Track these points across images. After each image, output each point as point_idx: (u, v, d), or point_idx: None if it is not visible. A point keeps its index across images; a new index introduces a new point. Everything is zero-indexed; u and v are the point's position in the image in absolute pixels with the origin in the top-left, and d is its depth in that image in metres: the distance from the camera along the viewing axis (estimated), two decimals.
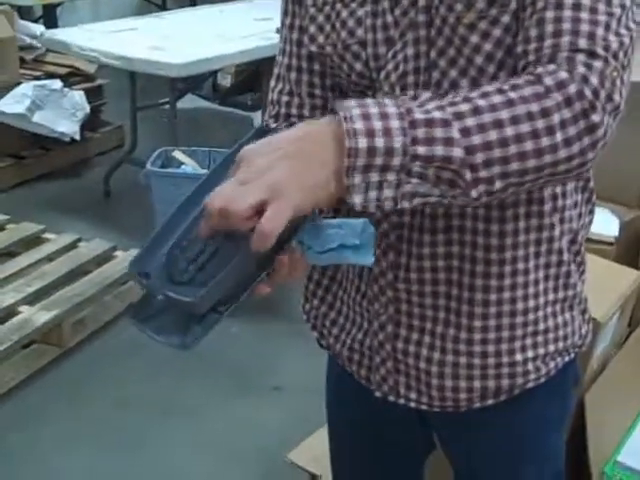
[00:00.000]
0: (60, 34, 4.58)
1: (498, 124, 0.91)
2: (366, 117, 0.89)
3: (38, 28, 5.11)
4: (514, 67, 1.03)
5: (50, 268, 3.57)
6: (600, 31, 0.97)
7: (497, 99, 0.93)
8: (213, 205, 0.88)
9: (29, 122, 4.54)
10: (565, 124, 0.93)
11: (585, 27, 0.97)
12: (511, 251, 1.15)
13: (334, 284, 1.32)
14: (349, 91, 1.20)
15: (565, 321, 1.24)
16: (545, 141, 0.92)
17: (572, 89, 0.93)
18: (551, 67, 0.95)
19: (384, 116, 0.90)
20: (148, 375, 3.15)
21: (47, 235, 3.87)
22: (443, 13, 1.07)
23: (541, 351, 1.22)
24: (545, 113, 0.92)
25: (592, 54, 0.96)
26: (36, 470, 2.68)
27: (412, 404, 1.26)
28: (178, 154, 3.80)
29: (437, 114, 0.91)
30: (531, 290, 1.18)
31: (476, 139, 0.91)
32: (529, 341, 1.21)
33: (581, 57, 0.95)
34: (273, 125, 1.25)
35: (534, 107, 0.92)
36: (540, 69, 0.96)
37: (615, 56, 0.97)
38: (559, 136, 0.93)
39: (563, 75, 0.94)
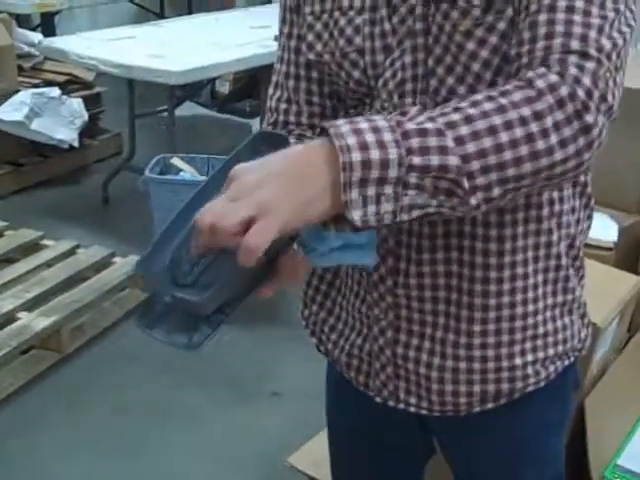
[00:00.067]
0: (58, 42, 4.59)
1: (492, 131, 0.92)
2: (357, 132, 0.89)
3: (36, 36, 5.12)
4: (511, 73, 1.03)
5: (49, 274, 3.58)
6: (593, 33, 0.97)
7: (488, 106, 0.93)
8: (203, 221, 0.88)
9: (27, 130, 4.54)
10: (559, 126, 0.93)
11: (578, 29, 0.97)
12: (510, 256, 1.15)
13: (333, 290, 1.32)
14: (347, 99, 1.21)
15: (564, 325, 1.25)
16: (540, 144, 0.92)
17: (564, 91, 0.93)
18: (541, 70, 0.95)
19: (375, 130, 0.90)
20: (147, 381, 3.15)
21: (46, 242, 3.88)
22: (440, 21, 1.07)
23: (541, 355, 1.22)
24: (538, 116, 0.93)
25: (584, 55, 0.96)
26: (35, 476, 2.67)
27: (412, 409, 1.26)
28: (176, 161, 3.80)
29: (429, 125, 0.91)
30: (530, 294, 1.19)
31: (471, 147, 0.91)
32: (529, 345, 1.21)
33: (573, 58, 0.95)
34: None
35: (526, 111, 0.93)
36: (530, 73, 0.96)
37: (608, 57, 0.97)
38: (554, 138, 0.93)
39: (553, 78, 0.94)
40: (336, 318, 1.32)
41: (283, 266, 0.98)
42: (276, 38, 1.31)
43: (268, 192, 0.87)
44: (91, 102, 5.04)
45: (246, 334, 3.22)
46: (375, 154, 0.88)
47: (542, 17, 0.99)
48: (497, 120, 0.92)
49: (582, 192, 1.23)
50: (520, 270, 1.17)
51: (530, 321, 1.20)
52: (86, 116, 4.81)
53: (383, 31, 1.12)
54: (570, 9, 0.98)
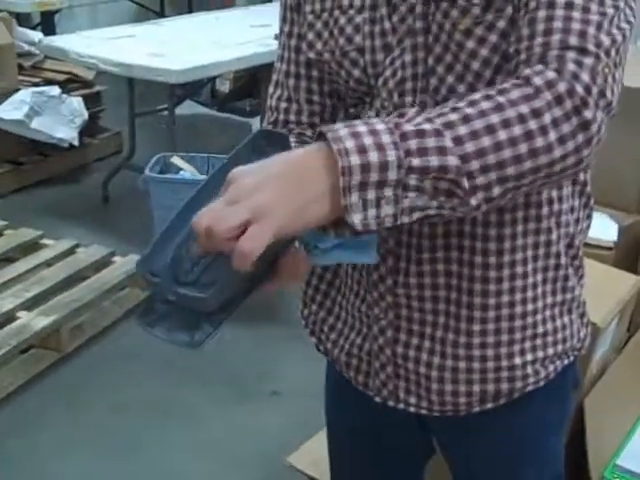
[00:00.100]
0: (58, 41, 4.60)
1: (490, 129, 0.91)
2: (355, 135, 0.89)
3: (36, 35, 5.12)
4: (510, 71, 1.03)
5: (48, 274, 3.58)
6: (592, 30, 0.97)
7: (485, 105, 0.93)
8: (200, 224, 0.88)
9: (27, 128, 4.54)
10: (557, 122, 0.92)
11: (576, 25, 0.97)
12: (509, 255, 1.15)
13: (332, 289, 1.32)
14: (347, 97, 1.21)
15: (564, 324, 1.25)
16: (539, 141, 0.92)
17: (562, 87, 0.93)
18: (539, 67, 0.95)
19: (373, 132, 0.89)
20: (146, 380, 3.15)
21: (45, 241, 3.88)
22: (439, 19, 1.07)
23: (540, 354, 1.22)
24: (536, 113, 0.92)
25: (583, 51, 0.95)
26: (34, 475, 2.68)
27: (412, 409, 1.26)
28: (176, 160, 3.80)
29: (427, 126, 0.91)
30: (529, 293, 1.19)
31: (469, 146, 0.90)
32: (528, 344, 1.21)
33: (571, 54, 0.95)
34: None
35: (524, 109, 0.92)
36: (527, 71, 0.95)
37: (607, 53, 0.97)
38: (552, 135, 0.92)
39: (551, 74, 0.94)
40: (336, 317, 1.32)
41: (284, 265, 0.97)
42: (276, 37, 1.31)
43: (265, 196, 0.86)
44: (91, 101, 5.04)
45: (246, 333, 3.23)
46: (374, 157, 0.88)
47: (541, 14, 0.98)
48: (495, 119, 0.92)
49: (581, 191, 1.23)
50: (519, 269, 1.17)
51: (529, 320, 1.20)
52: (86, 115, 4.81)
53: (383, 30, 1.12)
54: (569, 6, 0.98)
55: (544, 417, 1.32)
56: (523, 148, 0.92)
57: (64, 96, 4.72)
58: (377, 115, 1.15)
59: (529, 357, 1.22)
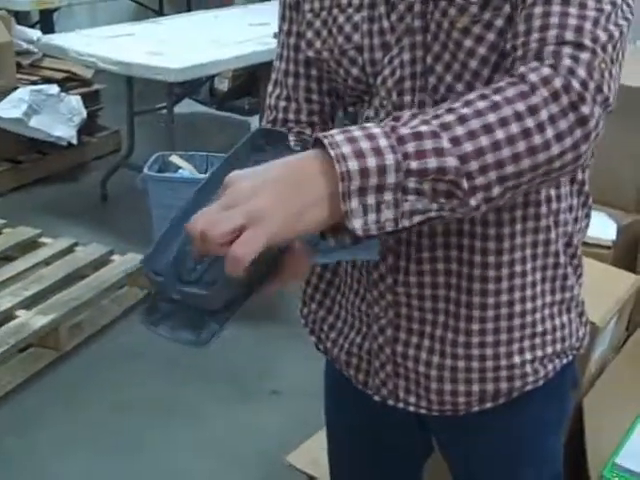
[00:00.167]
0: (57, 39, 4.59)
1: (487, 129, 0.91)
2: (352, 140, 0.88)
3: (35, 33, 5.11)
4: (508, 69, 1.03)
5: (47, 272, 3.58)
6: (588, 25, 0.96)
7: (481, 104, 0.92)
8: (194, 228, 0.87)
9: (26, 127, 4.54)
10: (555, 119, 0.92)
11: (573, 21, 0.96)
12: (508, 254, 1.15)
13: (332, 288, 1.32)
14: (346, 96, 1.21)
15: (563, 323, 1.25)
16: (537, 139, 0.92)
17: (557, 83, 0.93)
18: (534, 64, 0.95)
19: (370, 137, 0.89)
20: (145, 379, 3.15)
21: (44, 239, 3.88)
22: (438, 18, 1.07)
23: (539, 353, 1.22)
24: (532, 110, 0.92)
25: (579, 46, 0.95)
26: (34, 474, 2.67)
27: (411, 408, 1.26)
28: (175, 159, 3.80)
29: (423, 128, 0.90)
30: (528, 292, 1.19)
31: (467, 146, 0.90)
32: (527, 343, 1.21)
33: (567, 50, 0.95)
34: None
35: (520, 106, 0.92)
36: (522, 68, 0.95)
37: (604, 48, 0.96)
38: (550, 132, 0.92)
39: (546, 70, 0.94)
40: (335, 316, 1.32)
41: (286, 264, 0.97)
42: (275, 35, 1.31)
43: (260, 201, 0.85)
44: (90, 99, 5.04)
45: (246, 332, 3.22)
46: (372, 161, 0.87)
47: (537, 10, 0.98)
48: (492, 118, 0.91)
49: (580, 190, 1.23)
50: (518, 268, 1.17)
51: (528, 319, 1.20)
52: (85, 113, 4.81)
53: (381, 28, 1.12)
54: (566, 2, 0.97)
55: (543, 416, 1.32)
56: (521, 146, 0.91)
57: (63, 94, 4.72)
58: (376, 113, 1.16)
59: (528, 356, 1.22)
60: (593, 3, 0.98)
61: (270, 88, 1.29)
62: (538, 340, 1.22)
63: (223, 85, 5.76)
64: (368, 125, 0.91)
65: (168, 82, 4.12)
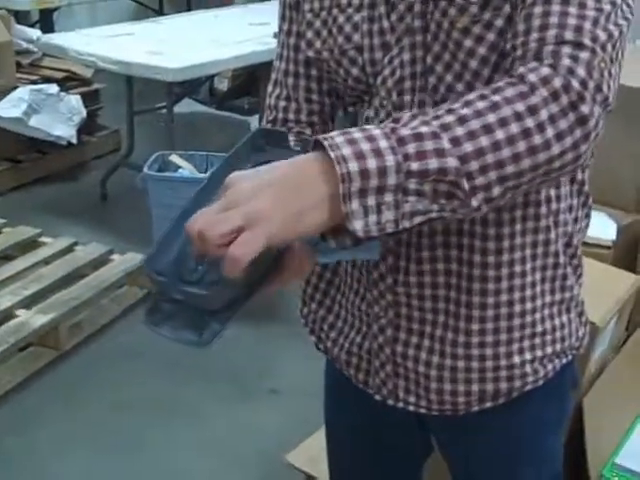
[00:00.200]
0: (57, 39, 4.60)
1: (487, 129, 0.91)
2: (352, 142, 0.88)
3: (35, 33, 5.11)
4: (507, 69, 1.03)
5: (47, 271, 3.58)
6: (588, 25, 0.96)
7: (481, 105, 0.92)
8: (193, 228, 0.87)
9: (26, 126, 4.54)
10: (554, 118, 0.92)
11: (572, 21, 0.96)
12: (508, 254, 1.15)
13: (332, 288, 1.32)
14: (346, 96, 1.21)
15: (562, 323, 1.25)
16: (537, 139, 0.92)
17: (557, 83, 0.93)
18: (533, 64, 0.95)
19: (370, 139, 0.89)
20: (145, 378, 3.15)
21: (44, 239, 3.88)
22: (438, 18, 1.07)
23: (539, 353, 1.22)
24: (532, 110, 0.92)
25: (579, 45, 0.95)
26: (34, 473, 2.67)
27: (411, 408, 1.26)
28: (175, 158, 3.80)
29: (423, 129, 0.90)
30: (528, 292, 1.19)
31: (468, 147, 0.90)
32: (527, 343, 1.21)
33: (567, 49, 0.95)
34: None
35: (520, 106, 0.92)
36: (522, 69, 0.95)
37: (603, 47, 0.96)
38: (550, 132, 0.92)
39: (546, 70, 0.94)
40: (335, 316, 1.32)
41: (287, 263, 0.97)
42: (275, 35, 1.31)
43: (259, 203, 0.85)
44: (89, 99, 5.04)
45: (246, 331, 3.22)
46: (372, 163, 0.87)
47: (537, 9, 0.98)
48: (491, 118, 0.91)
49: (580, 190, 1.23)
50: (518, 268, 1.17)
51: (528, 319, 1.20)
52: (84, 113, 4.81)
53: (381, 28, 1.12)
54: (565, 1, 0.97)
55: (543, 416, 1.32)
56: (521, 146, 0.91)
57: (62, 94, 4.72)
58: (376, 113, 1.16)
59: (528, 356, 1.22)
60: (593, 3, 0.98)
61: (270, 88, 1.29)
62: (538, 340, 1.22)
63: (223, 85, 5.77)
64: (368, 127, 0.91)
65: (168, 82, 4.12)
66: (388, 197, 0.88)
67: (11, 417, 2.92)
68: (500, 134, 0.91)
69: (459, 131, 0.90)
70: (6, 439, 2.81)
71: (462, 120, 0.91)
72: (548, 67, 0.94)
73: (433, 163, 0.89)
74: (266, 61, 3.90)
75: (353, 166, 0.87)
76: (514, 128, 0.91)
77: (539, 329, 1.22)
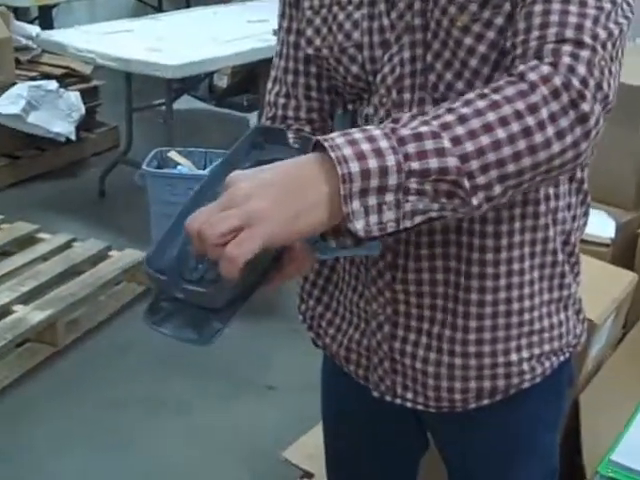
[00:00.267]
0: (56, 35, 4.60)
1: (487, 128, 0.91)
2: (352, 143, 0.88)
3: (34, 29, 5.11)
4: (507, 67, 1.03)
5: (44, 268, 3.58)
6: (588, 23, 0.97)
7: (481, 104, 0.93)
8: (192, 228, 0.88)
9: (24, 123, 4.54)
10: (555, 117, 0.92)
11: (573, 19, 0.97)
12: (506, 252, 1.16)
13: (330, 285, 1.32)
14: (345, 93, 1.21)
15: (560, 321, 1.25)
16: (538, 137, 0.92)
17: (557, 81, 0.93)
18: (533, 63, 0.95)
19: (370, 139, 0.89)
20: (141, 374, 3.15)
21: (42, 235, 3.88)
22: (437, 16, 1.07)
23: (536, 351, 1.23)
24: (532, 109, 0.92)
25: (579, 43, 0.95)
26: (30, 469, 2.68)
27: (408, 404, 1.27)
28: (174, 155, 3.80)
29: (424, 128, 0.91)
30: (526, 290, 1.19)
31: (468, 146, 0.90)
32: (524, 341, 1.21)
33: (567, 47, 0.95)
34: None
35: (520, 105, 0.92)
36: (522, 67, 0.95)
37: (603, 45, 0.97)
38: (550, 130, 0.92)
39: (546, 69, 0.94)
40: (333, 313, 1.32)
41: (288, 262, 0.98)
42: (274, 32, 1.32)
43: (258, 203, 0.86)
44: (88, 95, 5.04)
45: (242, 327, 3.22)
46: (373, 163, 0.87)
47: (538, 7, 0.98)
48: (492, 117, 0.91)
49: (579, 189, 1.23)
50: (516, 266, 1.17)
51: (526, 317, 1.20)
52: (83, 109, 4.81)
53: (381, 26, 1.12)
54: None
55: (540, 413, 1.32)
56: (522, 145, 0.91)
57: (61, 90, 4.71)
58: (375, 111, 1.16)
59: (525, 354, 1.22)
60: (593, 1, 0.98)
61: (269, 85, 1.29)
62: (535, 338, 1.22)
63: (222, 81, 5.76)
64: (368, 127, 0.92)
65: (167, 78, 4.12)
66: (389, 197, 0.89)
67: (8, 413, 2.92)
68: (500, 133, 0.91)
69: (459, 130, 0.91)
70: (3, 435, 2.80)
71: (462, 119, 0.91)
72: (548, 65, 0.94)
73: (434, 163, 0.89)
74: (265, 58, 3.89)
75: (354, 166, 0.87)
76: (514, 127, 0.91)
77: (537, 327, 1.22)
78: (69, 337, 3.32)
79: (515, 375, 1.22)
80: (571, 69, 0.94)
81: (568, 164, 0.96)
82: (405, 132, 0.90)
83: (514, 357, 1.21)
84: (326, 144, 0.88)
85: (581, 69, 0.94)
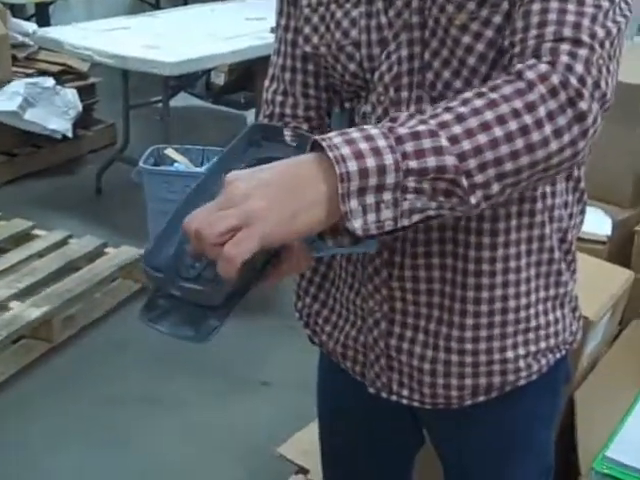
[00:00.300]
0: (53, 32, 4.58)
1: (485, 126, 0.91)
2: (350, 142, 0.89)
3: (30, 26, 5.10)
4: (505, 66, 1.03)
5: (40, 264, 3.58)
6: (586, 22, 0.97)
7: (478, 103, 0.93)
8: (190, 227, 0.88)
9: (21, 120, 4.54)
10: (553, 115, 0.92)
11: (571, 17, 0.97)
12: (503, 249, 1.16)
13: (326, 282, 1.32)
14: (343, 91, 1.21)
15: (556, 319, 1.25)
16: (535, 136, 0.92)
17: (555, 79, 0.93)
18: (531, 61, 0.95)
19: (368, 138, 0.89)
20: (137, 371, 3.15)
21: (38, 232, 3.88)
22: (435, 14, 1.07)
23: (532, 348, 1.23)
24: (530, 107, 0.92)
25: (577, 42, 0.95)
26: (26, 465, 2.68)
27: (404, 401, 1.27)
28: (171, 152, 3.79)
29: (421, 127, 0.91)
30: (523, 288, 1.19)
31: (466, 144, 0.90)
32: (520, 338, 1.22)
33: (565, 46, 0.95)
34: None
35: (518, 103, 0.92)
36: (519, 66, 0.95)
37: (601, 44, 0.97)
38: (548, 128, 0.92)
39: (544, 67, 0.94)
40: (330, 310, 1.32)
41: (286, 260, 0.98)
42: (272, 30, 1.32)
43: (256, 203, 0.86)
44: (85, 92, 5.03)
45: (237, 324, 3.22)
46: (371, 162, 0.88)
47: (536, 6, 0.99)
48: (489, 115, 0.92)
49: (575, 187, 1.23)
50: (513, 264, 1.17)
51: (522, 314, 1.21)
52: (80, 106, 4.81)
53: (379, 24, 1.12)
54: None
55: (535, 410, 1.32)
56: (519, 143, 0.92)
57: (58, 87, 4.71)
58: (373, 109, 1.16)
59: (521, 351, 1.22)
60: (591, 0, 0.98)
61: (267, 83, 1.29)
62: (531, 335, 1.23)
63: (219, 79, 5.76)
64: (366, 127, 0.92)
65: (164, 76, 4.12)
66: (387, 195, 0.89)
67: (3, 409, 2.92)
68: (498, 131, 0.91)
69: (457, 129, 0.91)
70: None
71: (460, 118, 0.91)
72: (546, 64, 0.94)
73: (432, 161, 0.89)
74: (262, 56, 3.89)
75: (352, 165, 0.87)
76: (512, 125, 0.91)
77: (533, 324, 1.22)
78: (65, 334, 3.32)
79: (511, 372, 1.23)
80: (569, 68, 0.94)
81: (566, 162, 0.96)
82: (403, 131, 0.90)
83: (510, 354, 1.21)
84: (324, 143, 0.88)
85: (579, 68, 0.94)
